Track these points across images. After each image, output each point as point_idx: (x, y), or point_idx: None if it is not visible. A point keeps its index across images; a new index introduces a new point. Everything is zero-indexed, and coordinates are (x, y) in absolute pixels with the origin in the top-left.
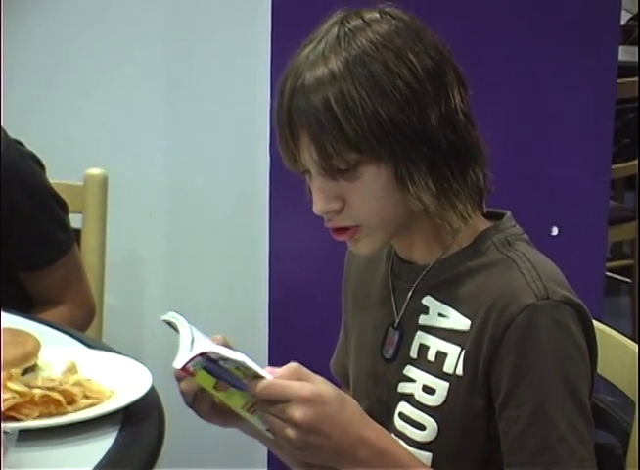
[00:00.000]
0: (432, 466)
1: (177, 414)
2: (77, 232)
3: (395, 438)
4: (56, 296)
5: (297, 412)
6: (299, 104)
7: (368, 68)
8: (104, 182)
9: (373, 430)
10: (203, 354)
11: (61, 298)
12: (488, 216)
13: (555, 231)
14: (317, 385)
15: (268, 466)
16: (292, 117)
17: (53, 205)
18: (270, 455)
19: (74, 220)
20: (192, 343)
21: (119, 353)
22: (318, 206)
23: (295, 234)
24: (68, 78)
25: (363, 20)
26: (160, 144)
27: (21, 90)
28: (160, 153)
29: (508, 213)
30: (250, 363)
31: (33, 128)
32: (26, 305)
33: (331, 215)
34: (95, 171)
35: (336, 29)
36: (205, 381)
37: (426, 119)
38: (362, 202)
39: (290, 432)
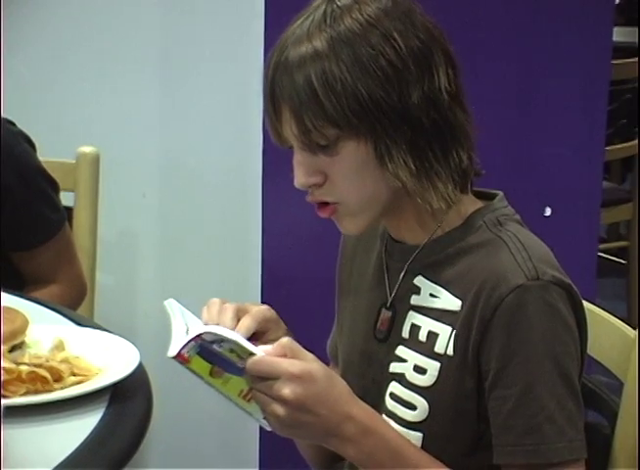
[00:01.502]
0: (422, 446)
1: (168, 406)
2: (69, 210)
3: (385, 417)
4: (47, 275)
5: (287, 389)
6: (282, 79)
7: (352, 46)
8: (96, 160)
9: (360, 408)
10: (197, 338)
11: (52, 277)
12: (480, 197)
13: (548, 212)
14: (307, 362)
15: (260, 465)
16: (274, 92)
17: (44, 184)
18: (262, 454)
19: (66, 198)
20: (186, 332)
21: (109, 331)
22: (298, 179)
23: (288, 214)
24: (60, 57)
25: None
26: (153, 123)
27: (13, 69)
28: (153, 131)
29: (500, 194)
30: (242, 341)
31: (26, 105)
32: (18, 284)
33: (312, 189)
34: (87, 149)
35: (324, 6)
36: (201, 367)
37: (407, 97)
38: (342, 177)
39: (278, 408)
